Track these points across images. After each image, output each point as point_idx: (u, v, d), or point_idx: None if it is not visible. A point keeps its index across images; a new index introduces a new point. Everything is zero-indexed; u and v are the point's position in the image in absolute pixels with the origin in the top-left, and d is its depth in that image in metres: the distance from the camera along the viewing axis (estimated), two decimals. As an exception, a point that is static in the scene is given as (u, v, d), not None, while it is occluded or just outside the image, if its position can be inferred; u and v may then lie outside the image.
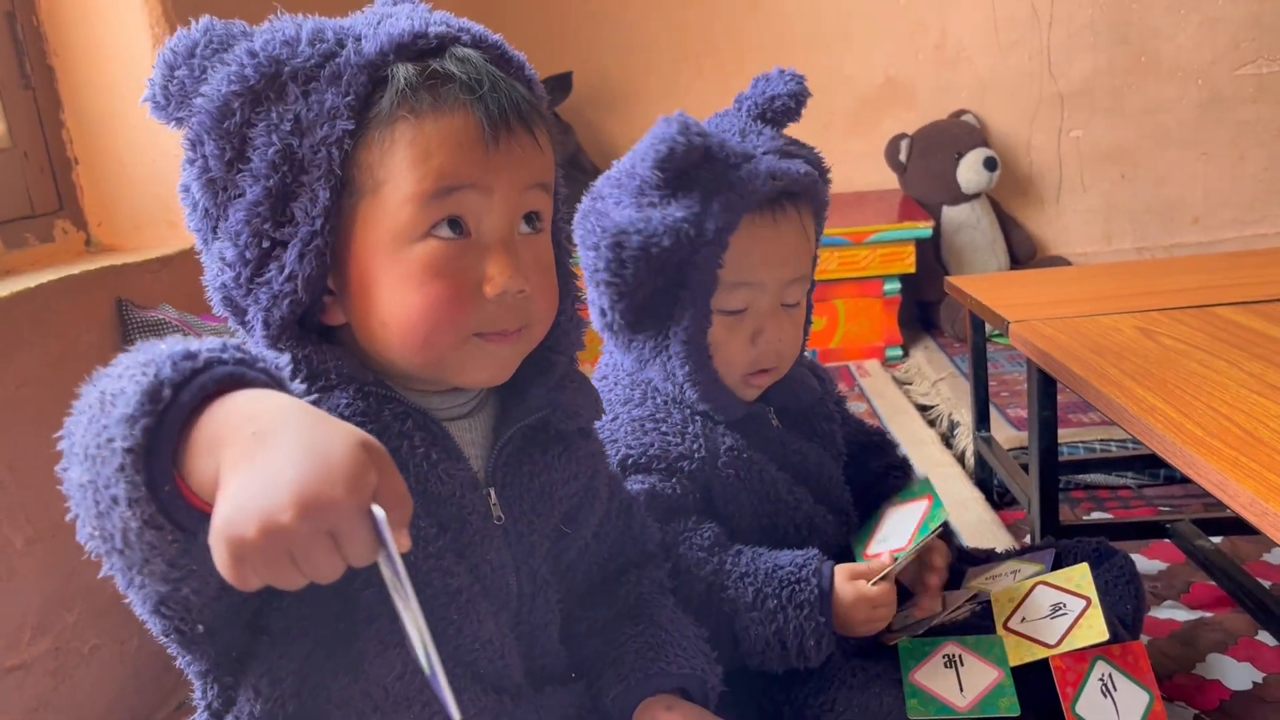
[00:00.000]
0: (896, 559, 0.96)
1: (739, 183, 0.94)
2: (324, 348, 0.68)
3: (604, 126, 3.10)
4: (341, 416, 0.62)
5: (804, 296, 1.04)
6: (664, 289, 0.97)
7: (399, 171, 0.66)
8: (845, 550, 1.07)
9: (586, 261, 0.98)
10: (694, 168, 0.93)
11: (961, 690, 0.94)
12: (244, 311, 0.69)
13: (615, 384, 1.05)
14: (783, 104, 1.00)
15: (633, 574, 0.89)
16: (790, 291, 1.01)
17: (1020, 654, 0.96)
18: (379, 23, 0.68)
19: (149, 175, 1.53)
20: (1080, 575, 1.00)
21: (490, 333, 0.70)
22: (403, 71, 0.66)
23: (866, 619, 0.94)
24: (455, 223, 0.67)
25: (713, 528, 0.99)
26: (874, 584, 0.94)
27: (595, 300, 1.00)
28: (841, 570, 0.95)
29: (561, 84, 2.89)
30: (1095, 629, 0.94)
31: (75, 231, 1.51)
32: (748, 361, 1.00)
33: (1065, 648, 0.94)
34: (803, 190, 0.99)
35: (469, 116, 0.66)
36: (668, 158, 0.92)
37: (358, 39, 0.66)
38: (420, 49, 0.67)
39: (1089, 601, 0.97)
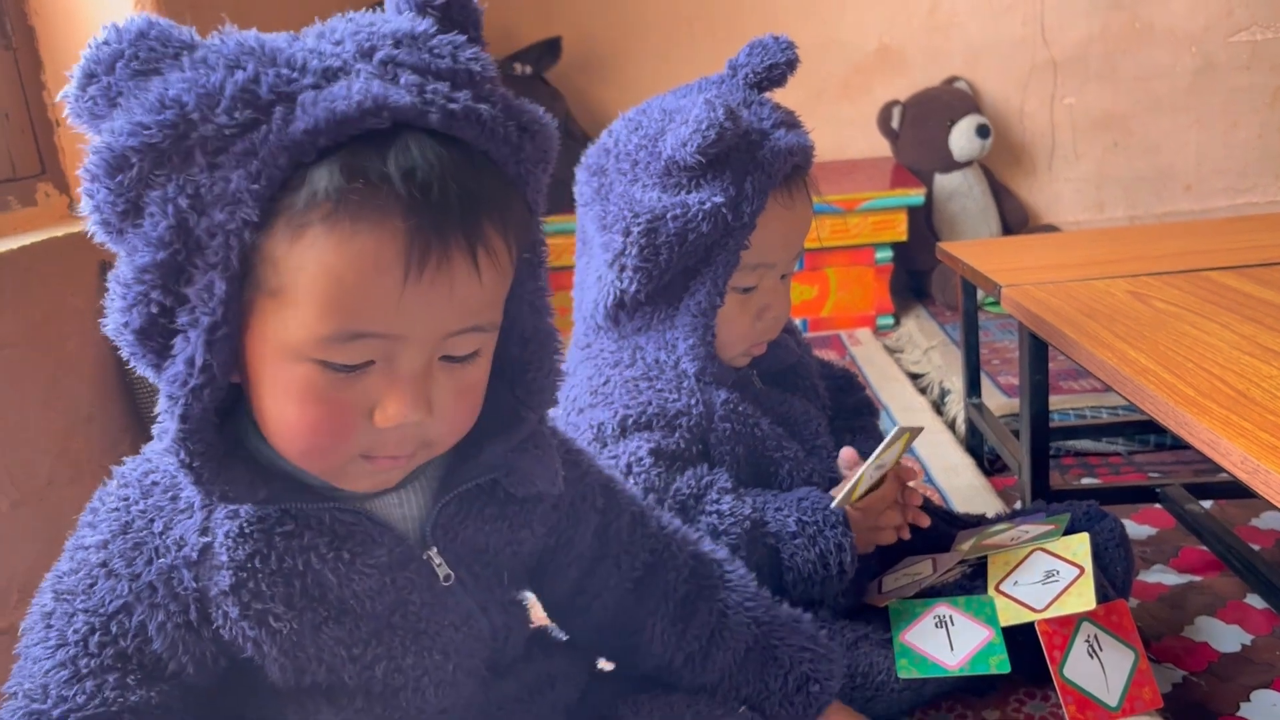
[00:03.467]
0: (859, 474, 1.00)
1: (765, 162, 0.94)
2: (226, 466, 0.62)
3: (594, 93, 3.07)
4: (232, 572, 0.64)
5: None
6: (686, 270, 0.98)
7: (302, 289, 0.57)
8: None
9: (611, 244, 0.98)
10: (729, 150, 0.93)
11: (952, 649, 0.94)
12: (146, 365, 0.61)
13: (601, 350, 1.05)
14: (780, 72, 1.00)
15: (698, 595, 0.86)
16: (792, 265, 1.04)
17: (1007, 616, 0.96)
18: (333, 77, 0.57)
19: (132, 138, 1.51)
20: (1078, 544, 1.00)
21: (379, 456, 0.64)
22: (323, 178, 0.55)
23: (872, 528, 1.01)
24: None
25: (722, 474, 1.01)
26: (838, 503, 0.99)
27: (613, 281, 0.99)
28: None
29: (551, 50, 2.86)
30: (1084, 598, 0.94)
31: (58, 195, 1.49)
32: (753, 335, 1.03)
33: (1051, 614, 0.94)
34: (806, 162, 1.01)
35: (396, 237, 0.56)
36: (715, 143, 0.91)
37: (291, 106, 0.55)
38: (370, 128, 0.56)
39: (1082, 571, 0.97)
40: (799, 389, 1.13)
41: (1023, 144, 3.06)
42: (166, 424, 0.60)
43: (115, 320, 0.59)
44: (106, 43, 0.57)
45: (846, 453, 1.08)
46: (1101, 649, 0.93)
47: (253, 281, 0.58)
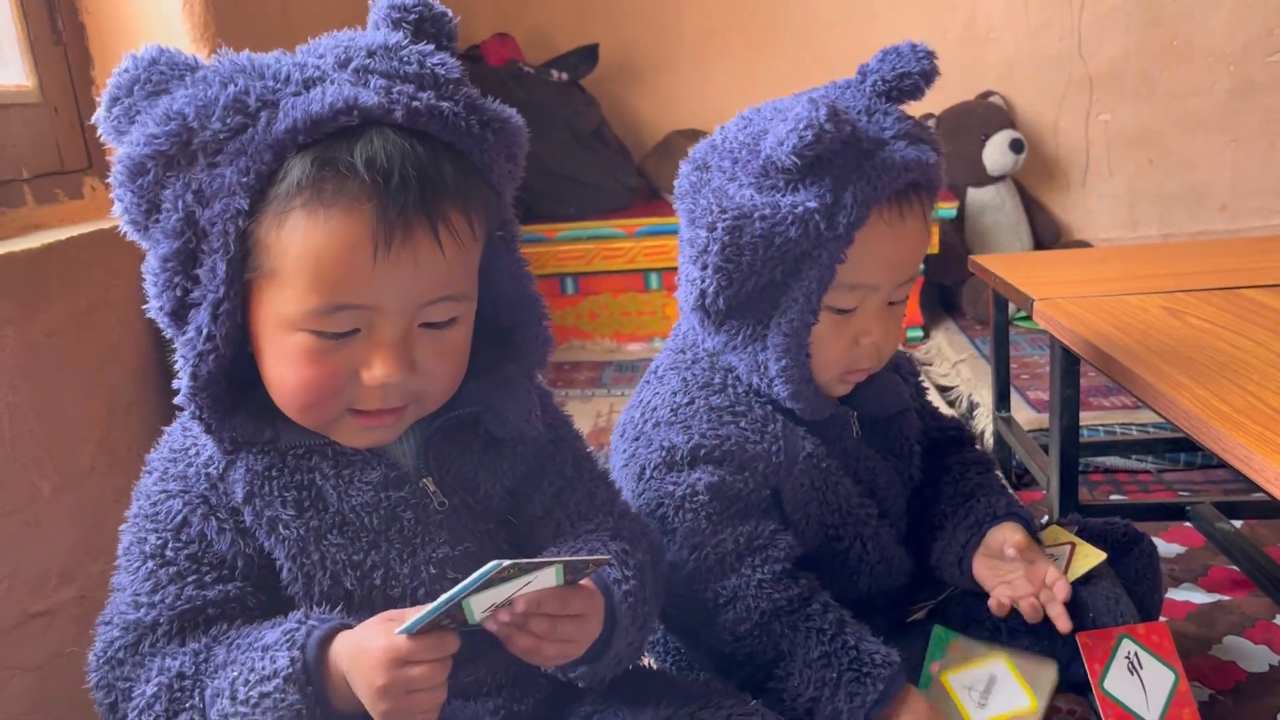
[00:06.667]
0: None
1: (873, 173, 0.87)
2: (231, 416, 0.73)
3: (629, 101, 3.09)
4: (246, 483, 0.74)
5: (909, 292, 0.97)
6: (774, 281, 0.91)
7: (290, 268, 0.67)
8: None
9: (696, 240, 0.92)
10: (832, 155, 0.86)
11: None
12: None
13: (694, 362, 1.00)
14: (912, 83, 0.92)
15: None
16: (902, 291, 0.95)
17: None
18: (311, 85, 0.67)
19: (177, 134, 1.53)
20: (1054, 534, 1.03)
21: (368, 410, 0.73)
22: (298, 167, 0.66)
23: None
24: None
25: (788, 542, 0.95)
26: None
27: (696, 279, 0.93)
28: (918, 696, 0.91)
29: (588, 57, 2.88)
30: (1091, 555, 0.97)
31: (104, 188, 1.52)
32: (848, 361, 0.95)
33: (1073, 576, 0.96)
34: (927, 181, 0.93)
35: (363, 218, 0.66)
36: (813, 145, 0.84)
37: (275, 110, 0.66)
38: (342, 125, 0.66)
39: (1072, 544, 1.00)
40: (894, 451, 1.04)
41: (1057, 159, 3.05)
42: (182, 380, 0.71)
43: (153, 304, 0.71)
44: (126, 70, 0.69)
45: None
46: (1142, 666, 0.93)
47: (252, 265, 0.68)
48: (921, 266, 2.58)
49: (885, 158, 0.88)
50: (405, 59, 0.70)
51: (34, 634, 1.13)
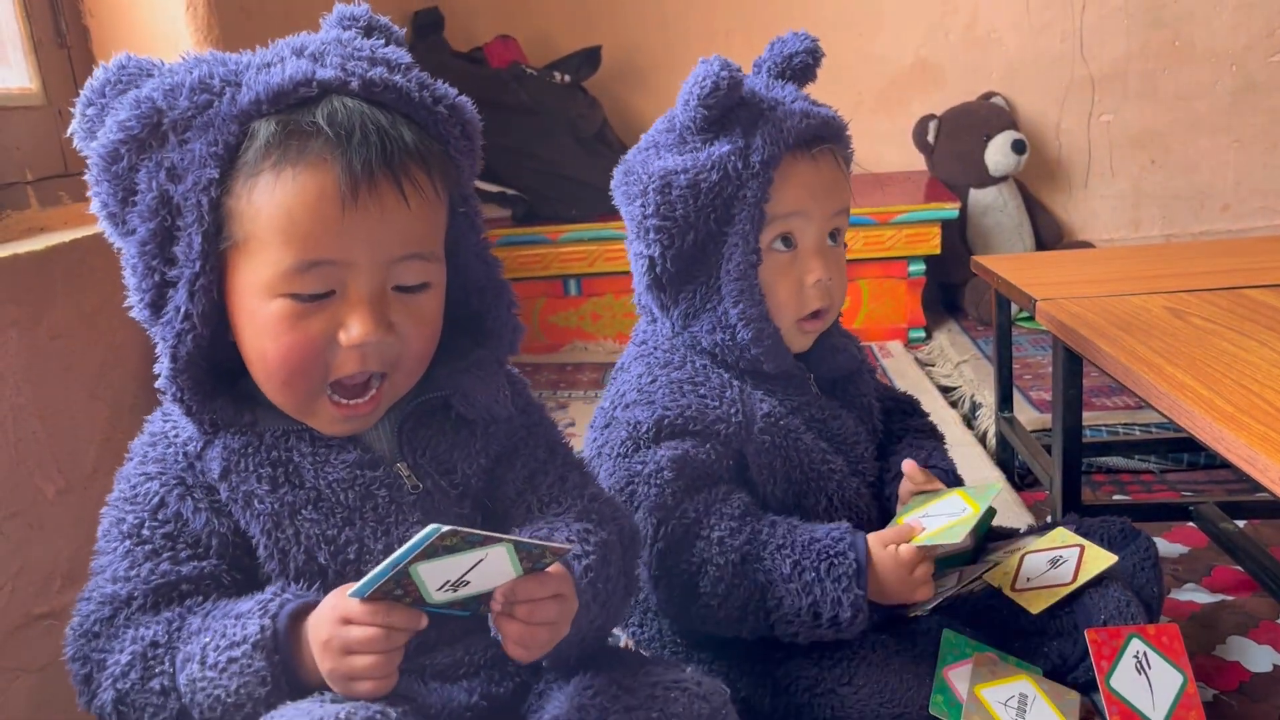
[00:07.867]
0: (929, 537, 0.94)
1: (776, 120, 0.96)
2: (211, 399, 0.75)
3: (631, 102, 3.09)
4: (223, 459, 0.76)
5: (845, 231, 1.05)
6: (712, 233, 0.98)
7: (262, 229, 0.70)
8: (876, 524, 1.07)
9: (632, 214, 1.00)
10: (734, 107, 0.96)
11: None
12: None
13: (655, 348, 1.06)
14: (800, 61, 1.02)
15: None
16: (835, 221, 1.02)
17: (1042, 601, 0.97)
18: (270, 66, 0.71)
19: (180, 136, 1.54)
20: (1060, 536, 1.02)
21: (346, 385, 0.74)
22: (264, 129, 0.69)
23: (901, 581, 0.94)
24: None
25: (742, 497, 0.99)
26: (902, 548, 0.93)
27: (643, 253, 1.00)
28: (874, 539, 0.95)
29: (590, 59, 2.88)
30: (1101, 558, 0.98)
31: (107, 191, 1.52)
32: (799, 304, 1.01)
33: (1082, 579, 0.97)
34: (832, 135, 1.01)
35: (329, 172, 0.69)
36: (713, 92, 0.93)
37: (238, 88, 0.70)
38: (301, 97, 0.70)
39: (1082, 547, 1.00)
40: (854, 405, 1.11)
41: (1059, 160, 3.05)
42: (162, 363, 0.73)
43: (133, 298, 0.74)
44: (97, 78, 0.73)
45: (909, 466, 1.05)
46: (1150, 666, 0.93)
47: (226, 236, 0.71)
48: (922, 266, 2.60)
49: (786, 109, 0.97)
50: (357, 47, 0.75)
51: (37, 636, 1.13)
